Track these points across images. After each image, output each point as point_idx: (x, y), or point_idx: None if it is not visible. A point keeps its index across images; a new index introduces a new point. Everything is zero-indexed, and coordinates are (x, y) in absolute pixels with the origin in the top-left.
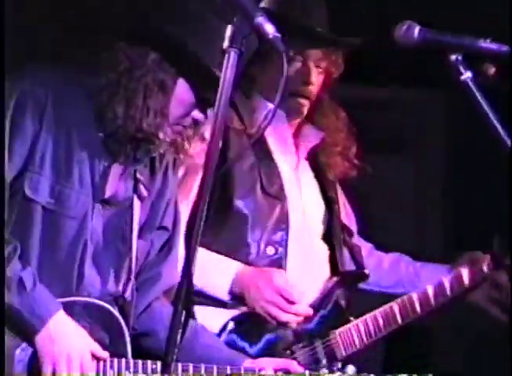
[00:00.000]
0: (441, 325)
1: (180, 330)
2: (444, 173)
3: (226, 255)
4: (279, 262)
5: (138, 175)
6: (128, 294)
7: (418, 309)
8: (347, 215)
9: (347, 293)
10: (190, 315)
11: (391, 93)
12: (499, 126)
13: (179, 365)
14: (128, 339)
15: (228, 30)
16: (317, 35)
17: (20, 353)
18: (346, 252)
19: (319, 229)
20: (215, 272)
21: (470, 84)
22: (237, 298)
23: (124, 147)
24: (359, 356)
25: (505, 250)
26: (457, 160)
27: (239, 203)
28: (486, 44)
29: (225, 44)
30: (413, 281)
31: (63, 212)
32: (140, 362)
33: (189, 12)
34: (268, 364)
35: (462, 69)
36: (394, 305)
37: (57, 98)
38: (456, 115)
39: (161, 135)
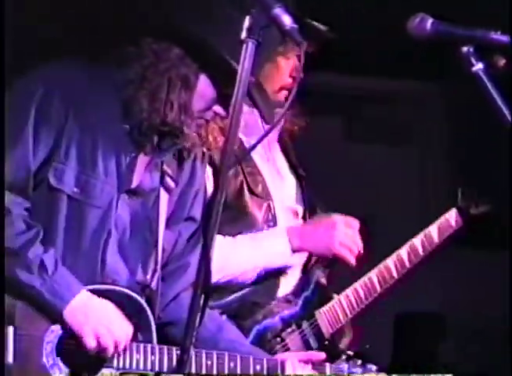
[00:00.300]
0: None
1: (199, 314)
2: (447, 164)
3: None
4: None
5: (164, 167)
6: (154, 284)
7: (395, 273)
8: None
9: (326, 270)
10: (208, 299)
11: (393, 87)
12: (510, 116)
13: (203, 352)
14: (153, 327)
15: (246, 21)
16: (309, 28)
17: (49, 335)
18: None
19: (300, 210)
20: (268, 246)
21: (482, 75)
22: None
23: (149, 139)
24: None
25: (470, 202)
26: (459, 150)
27: (230, 207)
28: (497, 36)
29: (243, 34)
30: None
31: (88, 201)
32: (165, 347)
33: (213, 11)
34: (291, 356)
35: (473, 60)
36: (373, 275)
37: (83, 92)
38: (456, 107)
39: (186, 130)
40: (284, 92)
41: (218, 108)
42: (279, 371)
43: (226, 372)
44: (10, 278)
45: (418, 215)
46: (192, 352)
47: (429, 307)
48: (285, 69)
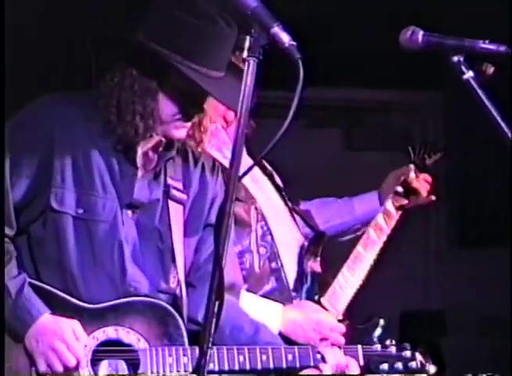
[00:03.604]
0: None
1: (214, 320)
2: (446, 169)
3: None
4: (274, 258)
5: (169, 181)
6: (178, 291)
7: (376, 239)
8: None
9: (317, 258)
10: (222, 306)
11: (391, 96)
12: (501, 121)
13: (234, 348)
14: (184, 330)
15: (247, 41)
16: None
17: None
18: (300, 221)
19: (281, 204)
20: (265, 317)
21: (472, 82)
22: (283, 337)
23: (134, 152)
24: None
25: (423, 155)
26: (458, 156)
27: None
28: (485, 45)
29: (245, 54)
30: (348, 210)
31: (93, 218)
32: (197, 348)
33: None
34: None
35: (464, 69)
36: (358, 246)
37: (64, 119)
38: (455, 114)
39: (154, 135)
40: None
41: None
42: (311, 358)
43: (259, 366)
44: None
45: (419, 219)
46: (224, 350)
47: (433, 306)
48: None
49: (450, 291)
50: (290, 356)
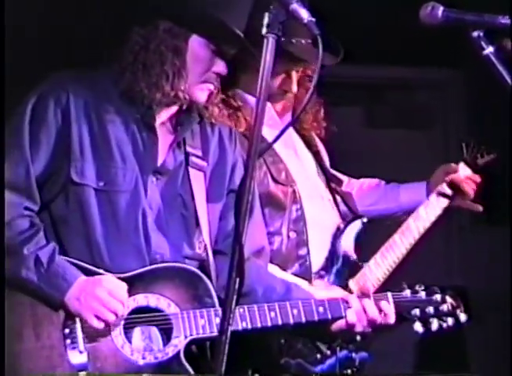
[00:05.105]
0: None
1: (235, 298)
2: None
3: None
4: (303, 244)
5: (188, 149)
6: (204, 256)
7: (414, 231)
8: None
9: (352, 240)
10: (243, 282)
11: (417, 73)
12: None
13: (265, 306)
14: (213, 292)
15: (266, 17)
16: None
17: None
18: (340, 202)
19: (322, 185)
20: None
21: (492, 58)
22: None
23: (158, 116)
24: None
25: (475, 154)
26: (480, 134)
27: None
28: (505, 20)
29: (264, 30)
30: (394, 196)
31: (114, 189)
32: None
33: None
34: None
35: (484, 44)
36: (395, 235)
37: (79, 93)
38: (477, 92)
39: (181, 95)
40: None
41: (217, 67)
42: (342, 309)
43: (291, 320)
44: (11, 275)
45: None
46: (255, 307)
47: (456, 282)
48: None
49: (473, 267)
50: (320, 309)
